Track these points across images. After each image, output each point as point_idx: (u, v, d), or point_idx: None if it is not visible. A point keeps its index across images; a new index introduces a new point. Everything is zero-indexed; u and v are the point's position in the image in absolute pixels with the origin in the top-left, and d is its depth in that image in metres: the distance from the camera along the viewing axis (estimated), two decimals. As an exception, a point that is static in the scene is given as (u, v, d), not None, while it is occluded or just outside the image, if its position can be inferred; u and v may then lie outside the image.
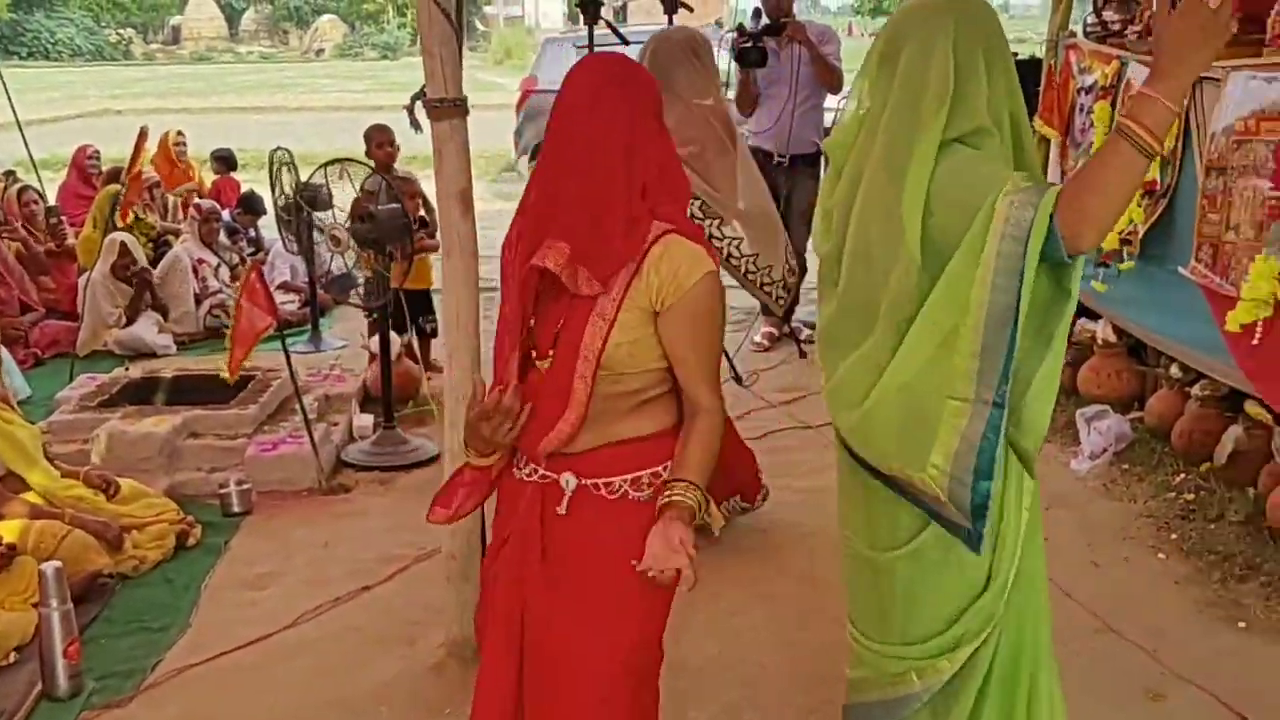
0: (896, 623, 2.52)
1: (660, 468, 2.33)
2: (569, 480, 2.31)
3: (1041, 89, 5.94)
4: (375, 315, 6.10)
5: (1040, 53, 6.52)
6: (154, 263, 8.08)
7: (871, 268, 2.35)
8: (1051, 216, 2.04)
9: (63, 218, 8.69)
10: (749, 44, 6.61)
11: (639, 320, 2.23)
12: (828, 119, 7.33)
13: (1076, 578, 4.09)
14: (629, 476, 2.32)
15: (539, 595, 2.36)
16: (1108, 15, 5.63)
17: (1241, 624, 3.90)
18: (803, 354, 6.99)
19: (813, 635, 3.83)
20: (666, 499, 2.23)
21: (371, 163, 6.26)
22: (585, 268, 2.20)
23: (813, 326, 7.35)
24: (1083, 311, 5.38)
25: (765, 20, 6.77)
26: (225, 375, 5.24)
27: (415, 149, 7.03)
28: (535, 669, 2.39)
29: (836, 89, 7.03)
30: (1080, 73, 5.50)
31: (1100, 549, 4.41)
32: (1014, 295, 2.08)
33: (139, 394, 5.76)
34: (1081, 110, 5.41)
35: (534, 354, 2.32)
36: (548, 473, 2.34)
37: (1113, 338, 5.63)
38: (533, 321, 2.32)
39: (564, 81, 2.29)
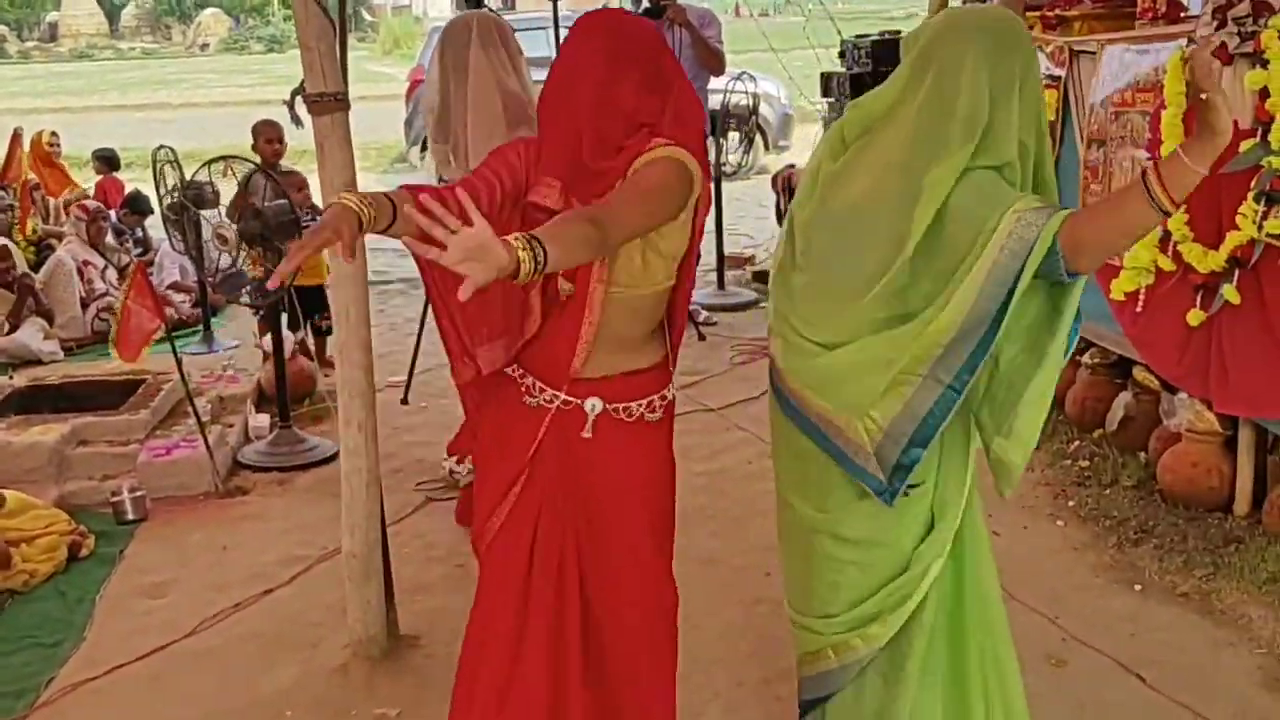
0: (817, 595, 2.58)
1: (667, 390, 2.58)
2: (595, 404, 2.47)
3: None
4: (263, 314, 5.99)
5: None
6: (35, 267, 7.86)
7: (849, 242, 2.39)
8: (1055, 237, 2.10)
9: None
10: None
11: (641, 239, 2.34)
12: (713, 100, 7.38)
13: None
14: (644, 400, 2.53)
15: (579, 521, 2.54)
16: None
17: (1138, 586, 4.00)
18: (701, 337, 7.00)
19: (718, 619, 3.84)
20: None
21: (257, 158, 6.14)
22: (575, 197, 2.34)
23: (709, 309, 7.41)
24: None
25: (645, 4, 6.78)
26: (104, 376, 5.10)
27: (305, 143, 6.91)
28: (595, 597, 2.57)
29: (719, 72, 7.07)
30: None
31: (999, 518, 4.47)
32: (998, 304, 2.16)
33: (25, 402, 5.59)
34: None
35: (560, 275, 2.40)
36: (570, 398, 2.47)
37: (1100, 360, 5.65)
38: None
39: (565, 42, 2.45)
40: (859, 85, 7.06)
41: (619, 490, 2.54)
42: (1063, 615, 3.79)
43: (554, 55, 9.18)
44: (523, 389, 2.53)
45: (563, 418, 2.49)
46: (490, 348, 2.58)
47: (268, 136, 6.52)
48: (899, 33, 7.13)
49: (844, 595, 2.53)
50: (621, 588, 2.58)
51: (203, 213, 5.99)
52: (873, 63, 7.19)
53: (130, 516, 4.80)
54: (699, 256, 4.86)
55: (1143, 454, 4.76)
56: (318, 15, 3.23)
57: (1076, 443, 5.05)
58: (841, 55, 7.83)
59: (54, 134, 10.61)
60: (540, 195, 2.39)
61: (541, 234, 1.94)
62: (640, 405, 2.52)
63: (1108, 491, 4.64)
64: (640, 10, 6.68)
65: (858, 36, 7.72)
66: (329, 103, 3.29)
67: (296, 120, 3.94)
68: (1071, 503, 4.62)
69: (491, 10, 6.18)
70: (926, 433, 2.30)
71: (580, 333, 2.41)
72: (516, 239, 1.88)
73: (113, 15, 53.04)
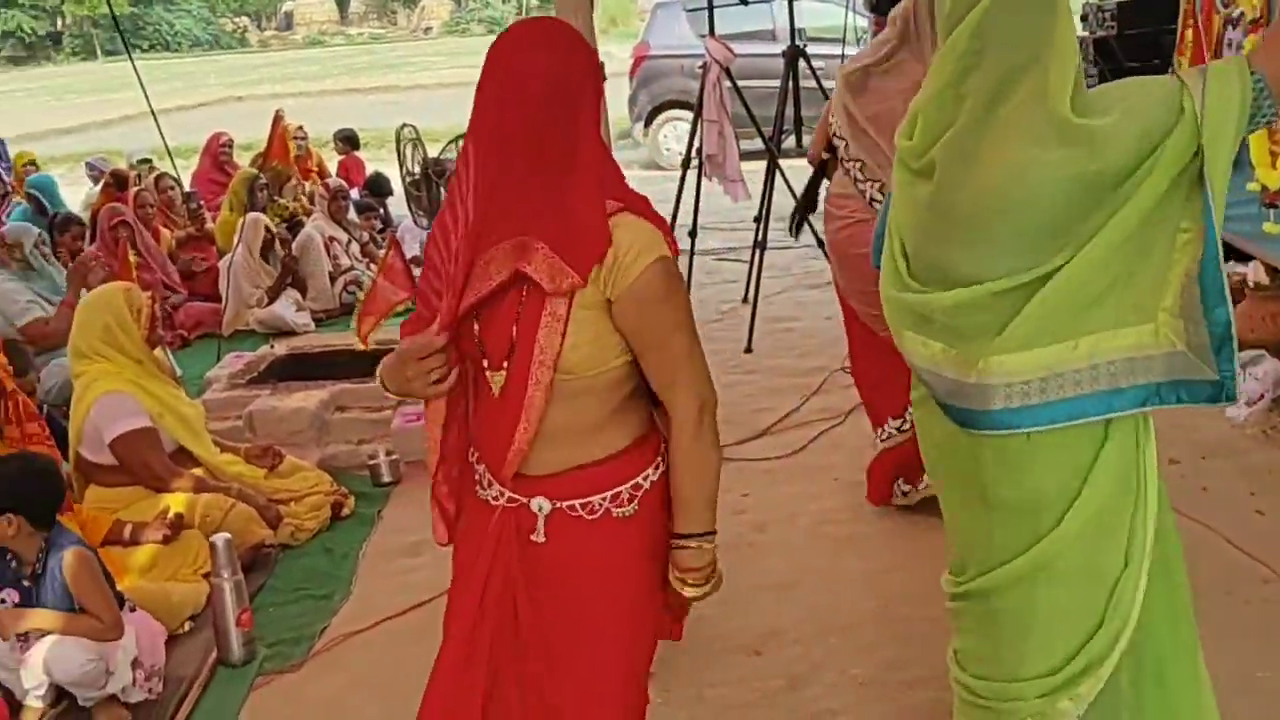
0: (1007, 658, 2.25)
1: (641, 477, 2.13)
2: (541, 505, 2.11)
3: (1179, 26, 5.73)
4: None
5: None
6: (286, 243, 8.28)
7: (979, 171, 2.00)
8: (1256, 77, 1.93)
9: (201, 202, 8.94)
10: None
11: (594, 316, 2.00)
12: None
13: (1240, 526, 3.98)
14: (608, 494, 2.11)
15: (528, 627, 2.17)
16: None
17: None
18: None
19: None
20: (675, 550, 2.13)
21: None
22: (565, 260, 1.94)
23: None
24: (1231, 254, 5.21)
25: None
26: (360, 346, 5.32)
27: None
28: (529, 697, 2.22)
29: None
30: (1224, 5, 5.29)
31: (1263, 496, 4.28)
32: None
33: (286, 370, 5.91)
34: (1230, 45, 5.21)
35: (485, 366, 2.08)
36: (515, 495, 2.13)
37: (1265, 280, 5.44)
38: (477, 329, 2.07)
39: (486, 59, 2.01)
40: (1105, 50, 6.77)
41: (576, 603, 2.15)
42: None
43: (777, 27, 9.08)
44: (475, 476, 2.21)
45: (513, 516, 2.14)
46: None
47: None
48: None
49: (1059, 646, 2.18)
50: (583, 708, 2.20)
51: (444, 189, 6.22)
52: (1118, 25, 6.88)
53: (386, 479, 5.04)
54: None
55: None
56: (576, -11, 3.28)
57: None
58: (1084, 19, 7.52)
59: (300, 128, 11.04)
60: (526, 261, 2.04)
61: (694, 528, 2.11)
62: (604, 499, 2.11)
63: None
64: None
65: (1101, -3, 7.42)
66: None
67: None
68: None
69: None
70: (1214, 287, 1.95)
71: (514, 435, 2.05)
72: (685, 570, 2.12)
73: (342, 2, 55.26)
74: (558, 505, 2.11)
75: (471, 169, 2.01)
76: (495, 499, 2.15)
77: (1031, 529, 2.15)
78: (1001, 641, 2.25)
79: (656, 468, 2.15)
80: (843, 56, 7.37)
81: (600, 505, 2.11)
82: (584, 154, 1.97)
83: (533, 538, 2.12)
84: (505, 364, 2.04)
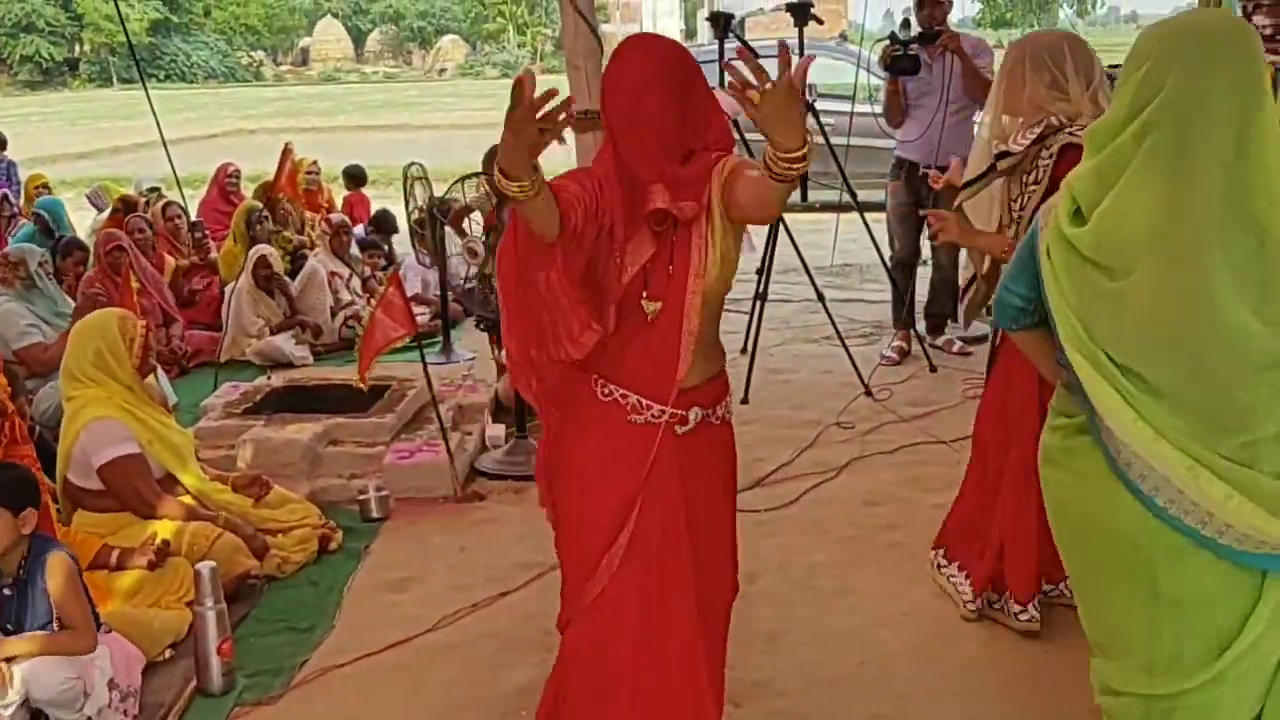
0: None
1: (729, 395, 2.73)
2: (696, 413, 2.60)
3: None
4: (485, 327, 6.22)
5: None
6: (291, 274, 8.31)
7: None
8: None
9: (206, 232, 8.97)
10: (901, 52, 6.57)
11: (722, 230, 2.48)
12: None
13: None
14: (724, 402, 2.70)
15: (682, 520, 2.61)
16: (1257, 20, 5.47)
17: None
18: (933, 368, 6.89)
19: (958, 650, 3.77)
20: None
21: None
22: (680, 195, 2.45)
23: (967, 341, 7.22)
24: None
25: (916, 28, 6.72)
26: (358, 383, 5.35)
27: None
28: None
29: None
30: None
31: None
32: None
33: (281, 402, 5.91)
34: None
35: (644, 296, 2.51)
36: (675, 410, 2.56)
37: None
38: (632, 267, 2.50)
39: (613, 62, 2.50)
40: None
41: (711, 490, 2.69)
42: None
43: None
44: (626, 409, 2.58)
45: (668, 430, 2.58)
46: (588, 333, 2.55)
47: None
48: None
49: None
50: (706, 580, 2.69)
51: (448, 228, 6.26)
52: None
53: (375, 515, 5.02)
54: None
55: None
56: (587, 35, 3.35)
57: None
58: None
59: (314, 162, 11.05)
60: (660, 200, 2.47)
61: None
62: (722, 408, 2.68)
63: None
64: (914, 35, 6.62)
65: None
66: (594, 119, 3.39)
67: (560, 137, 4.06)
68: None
69: (739, 36, 6.26)
70: None
71: (681, 342, 2.51)
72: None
73: (359, 40, 55.80)
74: (704, 413, 2.61)
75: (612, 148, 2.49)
76: (656, 418, 2.57)
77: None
78: None
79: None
80: (851, 113, 7.46)
81: (720, 412, 2.68)
82: (688, 122, 2.48)
83: (678, 429, 2.57)
84: (663, 294, 2.49)
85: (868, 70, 7.82)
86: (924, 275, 7.49)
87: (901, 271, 7.20)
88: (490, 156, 6.87)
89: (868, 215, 7.25)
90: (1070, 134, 3.43)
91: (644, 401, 2.56)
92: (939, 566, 4.17)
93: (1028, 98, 3.55)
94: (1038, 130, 3.49)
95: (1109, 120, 2.19)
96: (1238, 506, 2.07)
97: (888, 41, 6.72)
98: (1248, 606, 2.17)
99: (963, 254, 7.49)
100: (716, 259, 2.48)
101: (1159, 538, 2.18)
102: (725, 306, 2.68)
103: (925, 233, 7.19)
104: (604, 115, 2.50)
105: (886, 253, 7.29)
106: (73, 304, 6.76)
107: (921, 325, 7.38)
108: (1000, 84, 3.67)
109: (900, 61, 6.60)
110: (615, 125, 2.49)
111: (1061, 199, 2.26)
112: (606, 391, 2.59)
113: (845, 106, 8.15)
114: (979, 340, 7.42)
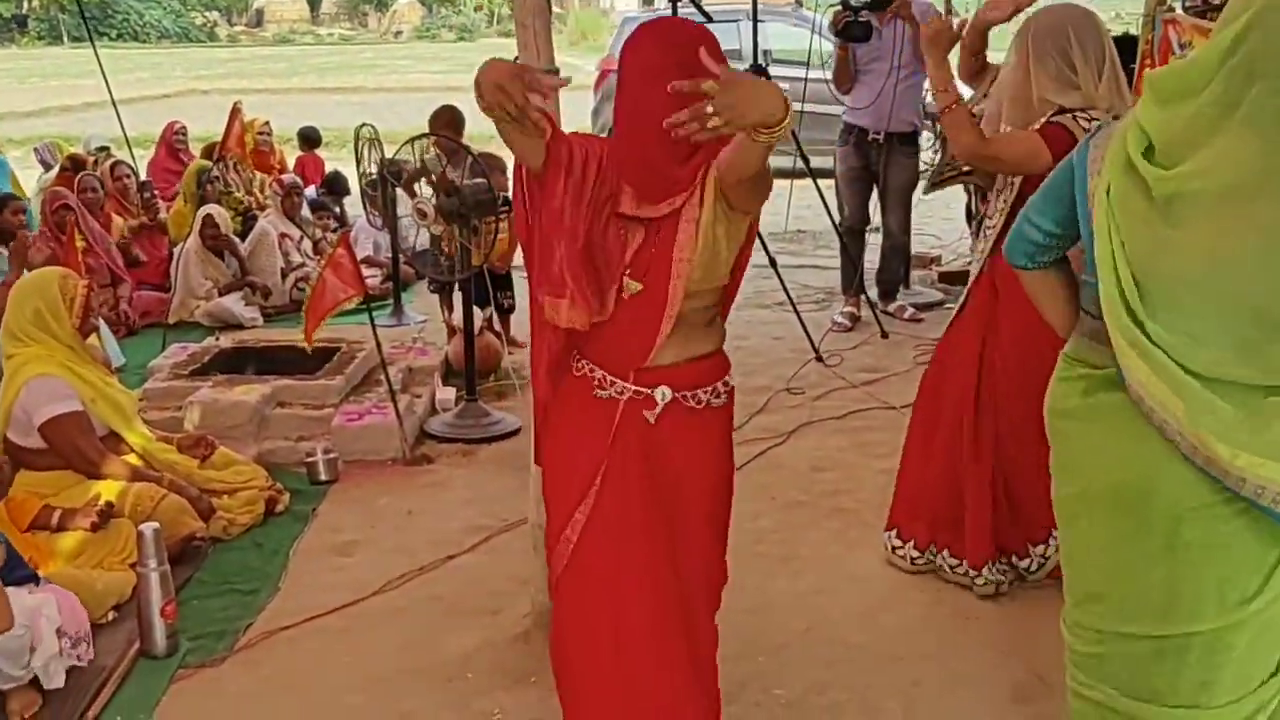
0: (1186, 686, 2.20)
1: (728, 376, 2.66)
2: (664, 393, 2.55)
3: (1137, 66, 5.81)
4: (435, 289, 6.15)
5: (1135, 29, 6.38)
6: (241, 236, 8.22)
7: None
8: None
9: (155, 192, 8.85)
10: (852, 18, 6.56)
11: (716, 215, 2.43)
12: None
13: None
14: (709, 387, 2.61)
15: (640, 499, 2.58)
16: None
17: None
18: (884, 334, 6.92)
19: (902, 615, 3.81)
20: None
21: (468, 143, 6.30)
22: (645, 202, 2.45)
23: (919, 307, 7.27)
24: None
25: None
26: (304, 344, 5.31)
27: (482, 129, 7.08)
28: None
29: None
30: (1181, 48, 5.37)
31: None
32: None
33: (229, 363, 5.86)
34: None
35: (628, 274, 2.48)
36: (641, 388, 2.55)
37: None
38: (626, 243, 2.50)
39: (627, 47, 2.44)
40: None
41: (685, 477, 2.63)
42: None
43: (743, 47, 9.07)
44: (593, 383, 2.60)
45: (634, 407, 2.57)
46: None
47: (447, 121, 6.69)
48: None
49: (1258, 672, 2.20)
50: (685, 563, 2.67)
51: (399, 190, 6.20)
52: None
53: (323, 477, 5.00)
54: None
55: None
56: (535, -7, 3.29)
57: None
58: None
59: (266, 123, 10.89)
60: (629, 205, 2.46)
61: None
62: (706, 392, 2.61)
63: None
64: (864, 1, 6.60)
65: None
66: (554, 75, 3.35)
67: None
68: None
69: (695, 1, 6.22)
70: None
71: (660, 327, 2.49)
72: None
73: (314, 2, 55.06)
74: (676, 395, 2.56)
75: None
76: (619, 394, 2.56)
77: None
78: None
79: (731, 375, 2.67)
80: (805, 79, 7.43)
81: (704, 397, 2.60)
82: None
83: (646, 414, 2.55)
84: (643, 276, 2.47)
85: (821, 35, 7.79)
86: (875, 243, 7.52)
87: (852, 238, 7.22)
88: (435, 117, 6.82)
89: (821, 182, 7.25)
90: (1074, 117, 3.38)
91: (608, 377, 2.58)
92: (894, 549, 4.13)
93: (1036, 97, 3.47)
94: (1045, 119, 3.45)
95: (1202, 62, 2.06)
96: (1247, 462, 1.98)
97: (839, 6, 6.70)
98: (1273, 559, 2.10)
99: (912, 221, 7.56)
100: (701, 247, 2.44)
101: (1194, 489, 2.09)
102: None
103: (874, 199, 7.23)
104: (614, 102, 2.49)
105: (838, 219, 7.30)
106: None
107: (873, 292, 7.42)
108: (1005, 84, 3.60)
109: (851, 28, 6.58)
110: (619, 114, 2.47)
111: (1131, 133, 2.12)
112: (579, 365, 2.63)
113: (800, 72, 8.11)
114: (930, 307, 7.48)
